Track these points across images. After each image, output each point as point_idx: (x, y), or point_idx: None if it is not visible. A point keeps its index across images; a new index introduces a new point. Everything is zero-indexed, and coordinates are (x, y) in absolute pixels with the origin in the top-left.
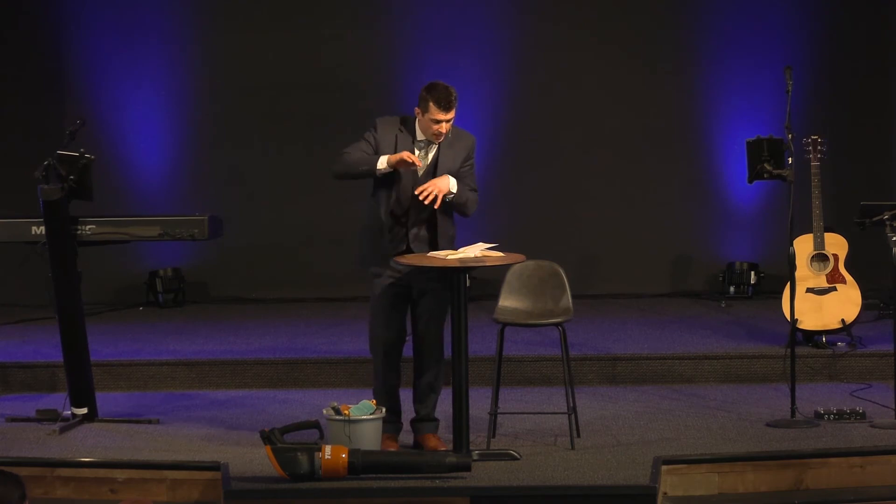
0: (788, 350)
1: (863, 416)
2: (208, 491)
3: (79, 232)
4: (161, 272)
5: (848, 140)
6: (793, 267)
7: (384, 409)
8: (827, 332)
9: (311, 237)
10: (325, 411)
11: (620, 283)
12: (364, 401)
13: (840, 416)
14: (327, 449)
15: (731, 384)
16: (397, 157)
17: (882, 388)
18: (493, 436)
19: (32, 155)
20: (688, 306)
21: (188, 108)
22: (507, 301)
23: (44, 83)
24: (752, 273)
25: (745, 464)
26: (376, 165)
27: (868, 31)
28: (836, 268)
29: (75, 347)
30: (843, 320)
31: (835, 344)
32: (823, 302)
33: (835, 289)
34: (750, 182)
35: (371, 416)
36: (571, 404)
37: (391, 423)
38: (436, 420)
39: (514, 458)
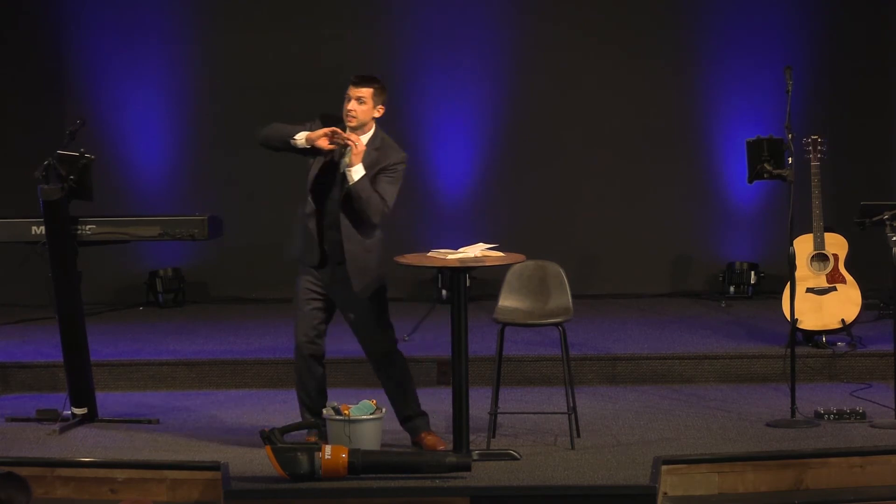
0: (788, 350)
1: (863, 416)
2: (208, 491)
3: (79, 232)
4: (161, 272)
5: (848, 140)
6: (793, 267)
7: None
8: (827, 332)
9: None
10: (325, 411)
11: (620, 283)
12: (364, 401)
13: (840, 416)
14: (327, 449)
15: (731, 384)
16: (321, 131)
17: (882, 388)
18: (493, 436)
19: (32, 155)
20: (688, 306)
21: (188, 108)
22: (507, 301)
23: (44, 83)
24: (752, 273)
25: (745, 464)
26: (294, 136)
27: (868, 31)
28: (836, 268)
29: (75, 347)
30: (843, 320)
31: (835, 344)
32: (823, 302)
33: (835, 289)
34: (750, 182)
35: (371, 416)
36: (571, 404)
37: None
38: (424, 414)
39: (514, 458)
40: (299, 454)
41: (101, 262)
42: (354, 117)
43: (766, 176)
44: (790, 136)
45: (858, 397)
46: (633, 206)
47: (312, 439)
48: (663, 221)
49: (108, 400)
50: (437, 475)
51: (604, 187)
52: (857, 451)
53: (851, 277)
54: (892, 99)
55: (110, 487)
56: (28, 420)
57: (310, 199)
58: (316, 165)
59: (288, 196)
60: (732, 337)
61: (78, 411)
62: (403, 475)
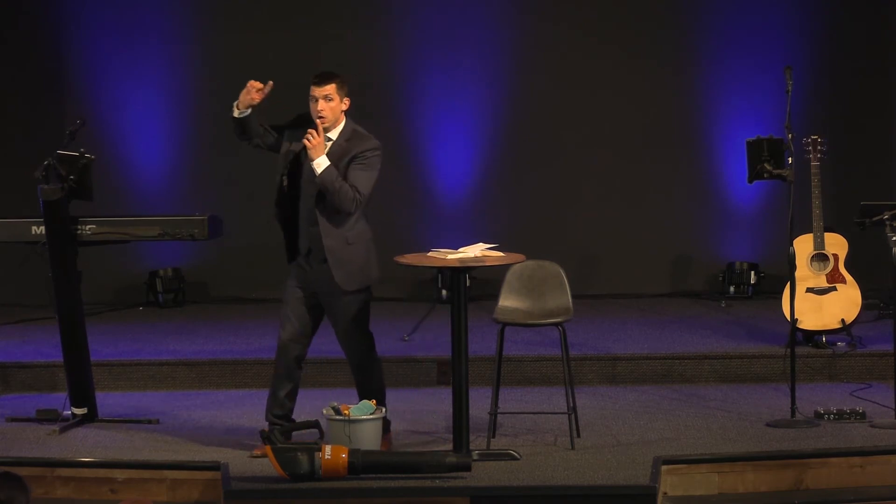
0: (788, 350)
1: (863, 416)
2: (208, 491)
3: (79, 232)
4: (161, 272)
5: (848, 140)
6: (793, 267)
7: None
8: (827, 332)
9: None
10: (324, 411)
11: (620, 283)
12: (364, 401)
13: (840, 416)
14: (327, 449)
15: (731, 384)
16: (242, 95)
17: (882, 388)
18: (493, 436)
19: (32, 155)
20: (688, 306)
21: (188, 108)
22: (507, 301)
23: (44, 83)
24: (752, 273)
25: (745, 464)
26: (233, 114)
27: (868, 31)
28: (836, 268)
29: (75, 347)
30: (843, 320)
31: (835, 344)
32: (823, 302)
33: (835, 289)
34: (750, 182)
35: (371, 416)
36: (571, 404)
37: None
38: (387, 421)
39: (514, 458)
40: (299, 454)
41: (101, 262)
42: (325, 116)
43: (766, 176)
44: (790, 136)
45: (858, 397)
46: (633, 206)
47: (258, 453)
48: (663, 221)
49: (108, 400)
50: (437, 475)
51: (604, 187)
52: (857, 451)
53: (851, 277)
54: (892, 99)
55: (110, 487)
56: (28, 420)
57: (276, 199)
58: (283, 166)
59: None
60: (732, 337)
61: (78, 411)
62: (403, 475)
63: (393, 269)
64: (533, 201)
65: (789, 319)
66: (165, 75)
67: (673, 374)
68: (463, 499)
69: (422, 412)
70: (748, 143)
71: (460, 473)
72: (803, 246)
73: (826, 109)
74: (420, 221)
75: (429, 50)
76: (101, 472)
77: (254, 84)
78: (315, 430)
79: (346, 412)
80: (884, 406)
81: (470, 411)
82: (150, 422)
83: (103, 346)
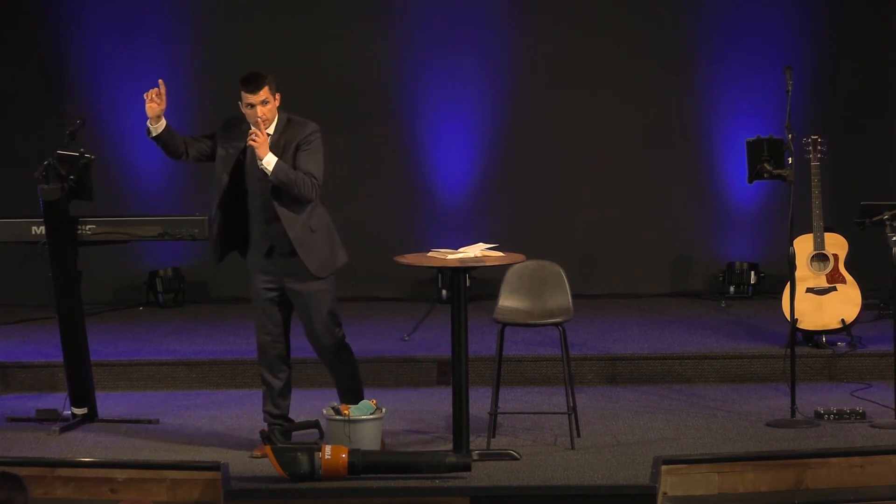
0: (788, 350)
1: (863, 416)
2: (208, 491)
3: (79, 232)
4: (161, 272)
5: (848, 140)
6: (793, 267)
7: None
8: (827, 332)
9: None
10: (325, 411)
11: (620, 283)
12: (364, 401)
13: (840, 416)
14: (327, 449)
15: (731, 384)
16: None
17: (882, 388)
18: (493, 436)
19: (32, 155)
20: (688, 306)
21: (188, 108)
22: (507, 301)
23: (44, 83)
24: (752, 273)
25: (745, 464)
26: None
27: (868, 31)
28: (836, 268)
29: (75, 347)
30: (843, 320)
31: (835, 344)
32: (823, 302)
33: (835, 289)
34: (750, 182)
35: (371, 416)
36: (571, 404)
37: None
38: None
39: (514, 458)
40: (299, 454)
41: (101, 262)
42: (266, 119)
43: (766, 176)
44: (790, 136)
45: (858, 397)
46: (633, 206)
47: (258, 454)
48: (663, 221)
49: (108, 400)
50: (437, 475)
51: (604, 187)
52: (857, 451)
53: (851, 277)
54: (892, 99)
55: (110, 487)
56: (28, 420)
57: (219, 202)
58: (224, 170)
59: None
60: (732, 337)
61: (78, 411)
62: (403, 475)
63: (393, 269)
64: (533, 201)
65: (789, 319)
66: (165, 75)
67: (673, 374)
68: (463, 499)
69: (422, 412)
70: (748, 143)
71: (460, 473)
72: (803, 246)
73: (826, 109)
74: (420, 221)
75: (429, 50)
76: (101, 472)
77: (148, 94)
78: (315, 430)
79: (346, 412)
80: (884, 406)
81: (470, 411)
82: (150, 422)
83: (103, 346)
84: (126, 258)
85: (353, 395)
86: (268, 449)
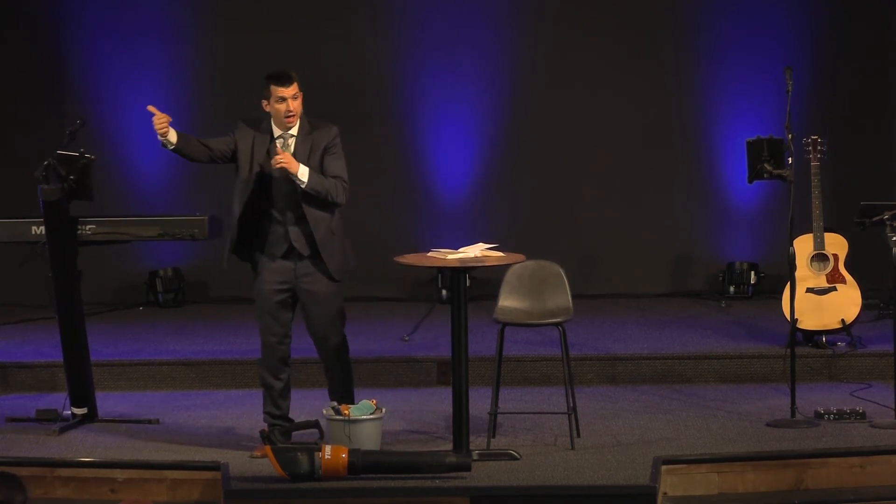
0: (788, 350)
1: (863, 416)
2: (208, 491)
3: (79, 232)
4: (161, 272)
5: (848, 140)
6: (793, 267)
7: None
8: (827, 332)
9: None
10: (324, 411)
11: (620, 283)
12: (364, 401)
13: (840, 416)
14: (327, 449)
15: (731, 384)
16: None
17: (882, 388)
18: (493, 436)
19: (32, 155)
20: (688, 306)
21: (188, 108)
22: (507, 301)
23: (44, 83)
24: (752, 273)
25: (745, 464)
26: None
27: (868, 31)
28: (836, 268)
29: (75, 347)
30: (843, 320)
31: (835, 344)
32: (823, 302)
33: (835, 289)
34: (750, 182)
35: (371, 416)
36: (571, 404)
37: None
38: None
39: (514, 458)
40: (299, 454)
41: (101, 262)
42: (294, 115)
43: (766, 176)
44: (790, 136)
45: (858, 397)
46: (633, 206)
47: (258, 454)
48: (663, 221)
49: (108, 400)
50: (437, 475)
51: (604, 187)
52: (857, 451)
53: (851, 277)
54: (892, 99)
55: (110, 487)
56: (28, 420)
57: (247, 199)
58: (248, 173)
59: None
60: (732, 337)
61: (78, 411)
62: (403, 475)
63: (393, 269)
64: (533, 201)
65: (789, 319)
66: (165, 75)
67: (673, 374)
68: (463, 499)
69: (422, 412)
70: (748, 143)
71: (460, 473)
72: (803, 246)
73: (826, 109)
74: (420, 221)
75: (429, 50)
76: (101, 472)
77: (155, 117)
78: (315, 431)
79: (346, 412)
80: (884, 406)
81: (470, 411)
82: (150, 422)
83: (103, 346)
84: (126, 258)
85: (346, 395)
86: (268, 449)
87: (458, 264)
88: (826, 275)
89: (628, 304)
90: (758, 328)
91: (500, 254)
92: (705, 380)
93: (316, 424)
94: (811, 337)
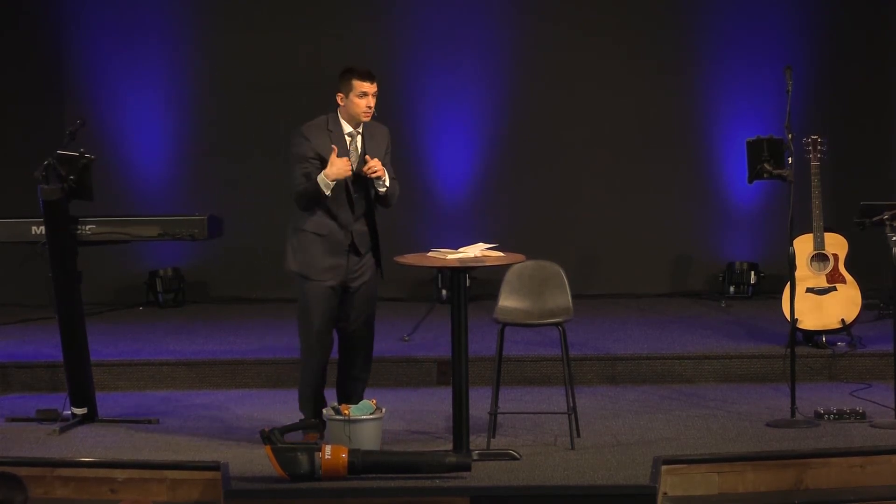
0: (788, 350)
1: (863, 416)
2: (208, 491)
3: (79, 232)
4: (161, 272)
5: (848, 140)
6: (793, 267)
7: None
8: (827, 332)
9: None
10: (325, 411)
11: (620, 283)
12: (364, 401)
13: (840, 416)
14: (327, 449)
15: (731, 384)
16: (334, 171)
17: (882, 388)
18: (493, 436)
19: (32, 155)
20: (688, 306)
21: (188, 108)
22: (507, 301)
23: (44, 83)
24: (752, 273)
25: (745, 464)
26: (324, 191)
27: (868, 31)
28: (836, 268)
29: (75, 347)
30: (843, 320)
31: (835, 344)
32: (823, 302)
33: (835, 289)
34: (750, 182)
35: (371, 416)
36: (571, 404)
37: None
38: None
39: (514, 458)
40: (299, 454)
41: (101, 262)
42: (372, 111)
43: (766, 176)
44: (790, 136)
45: (858, 397)
46: (633, 206)
47: (314, 437)
48: (663, 221)
49: (108, 400)
50: (437, 475)
51: (604, 187)
52: (857, 451)
53: (851, 277)
54: (892, 99)
55: (110, 487)
56: (28, 420)
57: (333, 203)
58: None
59: (288, 195)
60: (732, 337)
61: (78, 411)
62: (403, 475)
63: (393, 269)
64: (533, 201)
65: (789, 319)
66: (165, 75)
67: (673, 374)
68: (463, 499)
69: (422, 412)
70: (748, 143)
71: (460, 473)
72: (803, 246)
73: (826, 109)
74: (420, 221)
75: (429, 50)
76: (101, 472)
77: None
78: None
79: (346, 412)
80: (884, 406)
81: (470, 411)
82: (150, 422)
83: (103, 346)
84: (126, 258)
85: (361, 389)
86: (268, 449)
87: (458, 264)
88: (826, 275)
89: (628, 304)
90: (758, 328)
91: (500, 254)
92: (705, 380)
93: (316, 425)
94: (811, 337)
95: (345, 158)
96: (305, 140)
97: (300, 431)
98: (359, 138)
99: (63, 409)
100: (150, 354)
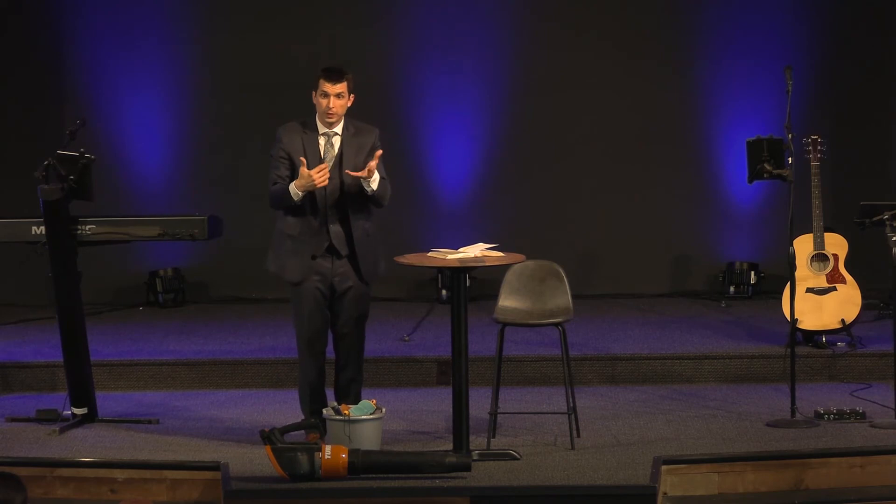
0: (788, 350)
1: (863, 416)
2: (208, 491)
3: (79, 232)
4: (161, 272)
5: (848, 140)
6: (793, 267)
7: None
8: (827, 332)
9: None
10: (325, 411)
11: (620, 283)
12: (364, 401)
13: (840, 416)
14: (327, 449)
15: (731, 384)
16: (303, 183)
17: (882, 388)
18: (493, 436)
19: (32, 155)
20: (688, 306)
21: (188, 108)
22: (507, 301)
23: (44, 83)
24: (752, 273)
25: (745, 464)
26: (294, 199)
27: (868, 31)
28: (836, 268)
29: (75, 347)
30: (843, 320)
31: (835, 344)
32: (823, 302)
33: (835, 289)
34: (750, 182)
35: (371, 416)
36: (571, 404)
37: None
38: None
39: (514, 458)
40: (299, 454)
41: (101, 262)
42: (335, 113)
43: (766, 176)
44: (790, 136)
45: (858, 397)
46: (633, 206)
47: (315, 437)
48: (663, 221)
49: (108, 400)
50: (437, 475)
51: (604, 187)
52: (857, 451)
53: (851, 277)
54: (893, 99)
55: (110, 487)
56: (28, 420)
57: (309, 205)
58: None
59: None
60: (732, 337)
61: (78, 411)
62: (403, 475)
63: (393, 269)
64: (533, 201)
65: (789, 319)
66: (165, 75)
67: (673, 374)
68: (463, 499)
69: (422, 412)
70: (748, 143)
71: (460, 473)
72: (803, 246)
73: (826, 109)
74: (420, 221)
75: (429, 50)
76: (101, 472)
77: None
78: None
79: (346, 412)
80: (884, 406)
81: (470, 411)
82: (150, 422)
83: (103, 346)
84: (126, 258)
85: (356, 390)
86: (268, 449)
87: (458, 264)
88: (826, 275)
89: (628, 304)
90: (758, 328)
91: (500, 254)
92: (705, 380)
93: (316, 425)
94: (811, 337)
95: (315, 171)
96: (279, 140)
97: (302, 431)
98: (336, 139)
99: (63, 409)
100: (150, 354)
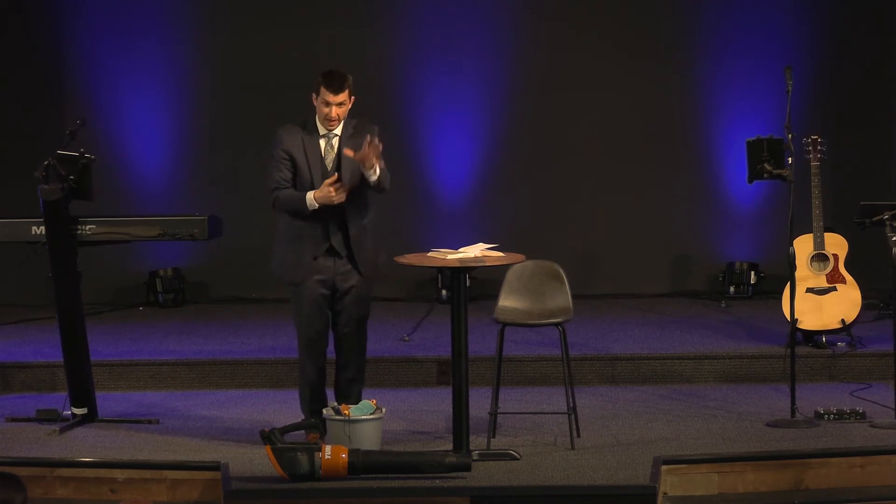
0: (788, 350)
1: (863, 416)
2: (208, 491)
3: (79, 232)
4: (161, 272)
5: (848, 140)
6: (793, 267)
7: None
8: (827, 332)
9: None
10: (325, 411)
11: (620, 283)
12: (364, 401)
13: (840, 416)
14: (327, 449)
15: (731, 384)
16: (322, 194)
17: (882, 388)
18: (493, 436)
19: (32, 155)
20: (688, 306)
21: (188, 108)
22: (507, 301)
23: (43, 83)
24: (752, 273)
25: (745, 464)
26: (308, 208)
27: (868, 31)
28: (836, 268)
29: (75, 347)
30: (843, 320)
31: (835, 344)
32: (823, 302)
33: (835, 289)
34: (750, 182)
35: (371, 416)
36: (571, 404)
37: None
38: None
39: (514, 458)
40: (299, 454)
41: (101, 262)
42: (336, 121)
43: (766, 176)
44: (790, 136)
45: (858, 397)
46: (632, 206)
47: (315, 437)
48: (663, 221)
49: (108, 400)
50: (437, 475)
51: (604, 187)
52: (857, 451)
53: (851, 277)
54: (893, 99)
55: (110, 487)
56: (28, 420)
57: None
58: (306, 172)
59: None
60: (732, 337)
61: (78, 411)
62: (403, 475)
63: (393, 269)
64: (533, 201)
65: (789, 319)
66: (165, 75)
67: (673, 374)
68: (463, 499)
69: (422, 412)
70: (748, 143)
71: (460, 473)
72: (803, 246)
73: (826, 109)
74: (420, 221)
75: (429, 50)
76: (101, 472)
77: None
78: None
79: (346, 412)
80: (884, 406)
81: (470, 411)
82: (150, 422)
83: (103, 346)
84: (126, 258)
85: (357, 390)
86: (268, 449)
87: (458, 264)
88: (826, 275)
89: (628, 304)
90: (758, 328)
91: (500, 254)
92: (705, 380)
93: (316, 424)
94: (811, 337)
95: (335, 188)
96: (280, 140)
97: (302, 431)
98: (336, 140)
99: (63, 409)
100: (150, 354)
